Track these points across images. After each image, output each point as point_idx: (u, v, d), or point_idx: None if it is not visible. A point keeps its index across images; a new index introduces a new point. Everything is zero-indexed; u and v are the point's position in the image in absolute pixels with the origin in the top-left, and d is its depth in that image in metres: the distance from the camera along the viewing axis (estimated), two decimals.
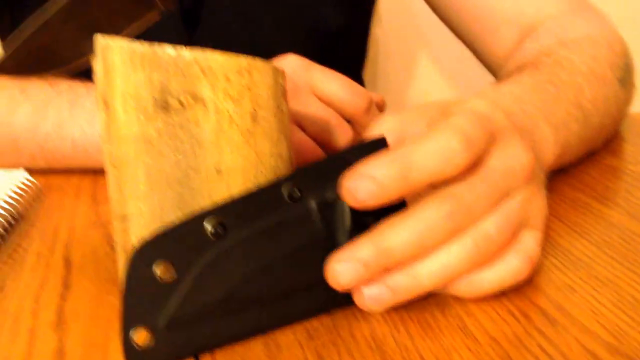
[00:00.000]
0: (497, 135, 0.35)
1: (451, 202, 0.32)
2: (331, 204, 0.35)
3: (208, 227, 0.33)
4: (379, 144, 0.38)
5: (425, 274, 0.33)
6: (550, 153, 0.43)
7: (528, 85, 0.46)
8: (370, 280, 0.33)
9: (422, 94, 1.30)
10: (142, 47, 0.33)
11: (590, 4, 0.66)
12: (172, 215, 0.35)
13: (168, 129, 0.34)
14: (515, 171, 0.34)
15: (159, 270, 0.32)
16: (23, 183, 0.48)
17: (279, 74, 0.37)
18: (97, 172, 0.57)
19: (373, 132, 0.40)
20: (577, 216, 0.45)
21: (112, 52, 0.33)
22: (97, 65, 0.34)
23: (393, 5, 0.85)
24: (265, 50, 0.74)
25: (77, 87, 0.51)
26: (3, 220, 0.43)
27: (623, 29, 0.64)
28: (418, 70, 1.29)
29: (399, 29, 1.21)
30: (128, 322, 0.32)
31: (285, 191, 0.35)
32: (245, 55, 0.35)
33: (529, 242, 0.34)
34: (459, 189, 0.33)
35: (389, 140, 0.38)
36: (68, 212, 0.49)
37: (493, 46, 0.68)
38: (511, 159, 0.34)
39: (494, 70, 0.70)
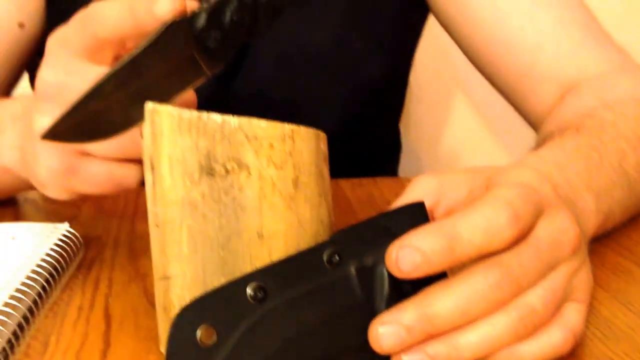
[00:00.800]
0: (545, 208, 0.35)
1: (498, 272, 0.32)
2: (370, 269, 0.35)
3: (249, 291, 0.33)
4: (417, 209, 0.38)
5: (466, 344, 0.33)
6: (592, 223, 0.43)
7: (571, 151, 0.46)
8: (411, 346, 0.33)
9: (456, 141, 1.30)
10: (189, 114, 0.34)
11: (635, 63, 0.66)
12: (214, 278, 0.35)
13: (212, 194, 0.35)
14: (561, 244, 0.34)
15: (201, 333, 0.32)
16: (64, 235, 0.49)
17: (320, 139, 0.37)
18: (135, 224, 0.58)
19: (411, 191, 0.40)
20: (619, 283, 0.44)
21: (161, 117, 0.34)
22: (146, 130, 0.35)
23: (427, 48, 0.86)
24: (305, 100, 0.75)
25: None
26: (45, 273, 0.44)
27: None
28: (452, 116, 1.29)
29: (432, 73, 1.21)
30: None
31: (325, 256, 0.35)
32: (288, 123, 0.36)
33: (573, 315, 0.34)
34: (506, 260, 0.33)
35: (427, 202, 0.38)
36: (107, 265, 0.50)
37: (532, 103, 0.68)
38: (558, 231, 0.34)
39: (533, 123, 0.70)
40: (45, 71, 0.42)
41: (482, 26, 0.69)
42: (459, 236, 0.32)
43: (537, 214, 0.34)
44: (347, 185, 0.70)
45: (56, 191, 0.46)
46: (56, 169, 0.44)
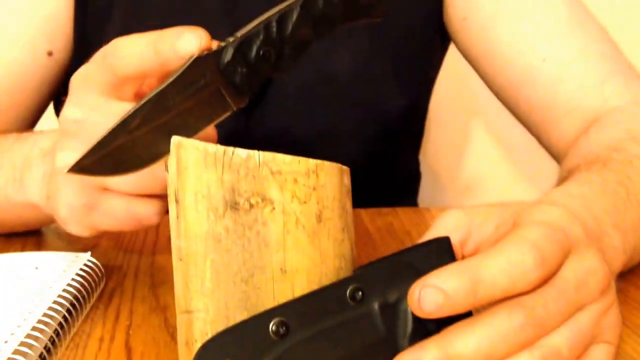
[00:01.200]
0: (573, 247, 0.34)
1: (523, 313, 0.32)
2: (393, 306, 0.35)
3: (272, 326, 0.33)
4: (442, 245, 0.38)
5: None
6: (618, 260, 0.42)
7: (598, 187, 0.46)
8: None
9: (474, 169, 1.30)
10: (214, 148, 0.35)
11: None
12: (236, 313, 0.35)
13: (236, 228, 0.35)
14: (589, 284, 0.34)
15: None
16: (86, 265, 0.50)
17: (344, 174, 0.37)
18: (155, 253, 0.59)
19: (440, 226, 0.40)
20: None
21: (187, 151, 0.35)
22: (171, 164, 0.35)
23: (445, 75, 0.86)
24: (326, 129, 0.75)
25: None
26: (67, 304, 0.44)
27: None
28: (470, 144, 1.29)
29: (451, 100, 1.21)
30: None
31: (348, 292, 0.35)
32: (311, 158, 0.36)
33: (602, 358, 0.34)
34: (532, 300, 0.32)
35: (454, 238, 0.37)
36: (128, 295, 0.50)
37: (555, 134, 0.67)
38: (586, 272, 0.34)
39: (555, 154, 0.69)
40: (67, 108, 0.43)
41: (504, 56, 0.69)
42: (483, 278, 0.32)
43: (565, 255, 0.34)
44: (366, 215, 0.70)
45: (77, 227, 0.46)
46: (76, 206, 0.44)
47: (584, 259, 0.34)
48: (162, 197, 0.44)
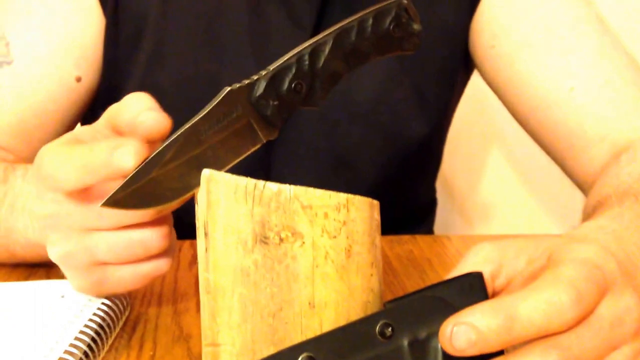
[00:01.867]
0: (609, 286, 0.34)
1: (557, 353, 0.31)
2: (423, 342, 0.35)
3: None
4: (475, 280, 0.37)
5: None
6: None
7: (630, 222, 0.45)
8: None
9: (491, 195, 1.29)
10: (245, 182, 0.35)
11: None
12: (263, 347, 0.35)
13: (265, 262, 0.34)
14: (625, 323, 0.33)
15: None
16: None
17: (374, 208, 0.37)
18: (178, 281, 0.58)
19: (469, 258, 0.39)
20: None
21: (217, 185, 0.35)
22: (201, 196, 0.35)
23: (462, 101, 0.86)
24: (347, 155, 0.75)
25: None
26: (92, 333, 0.44)
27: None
28: (487, 170, 1.28)
29: (468, 125, 1.20)
30: None
31: (377, 328, 0.34)
32: (341, 193, 0.36)
33: None
34: (566, 341, 0.32)
35: (485, 271, 0.37)
36: (152, 324, 0.50)
37: (581, 163, 0.66)
38: (622, 311, 0.33)
39: (580, 182, 0.69)
40: (35, 204, 0.44)
41: (531, 84, 0.69)
42: (518, 315, 0.31)
43: (601, 294, 0.33)
44: (385, 242, 0.70)
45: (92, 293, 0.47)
46: (85, 287, 0.45)
47: (620, 298, 0.34)
48: (161, 220, 0.43)
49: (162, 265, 0.44)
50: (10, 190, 0.57)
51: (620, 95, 0.65)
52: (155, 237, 0.43)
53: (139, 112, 0.39)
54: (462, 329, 0.32)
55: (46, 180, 0.42)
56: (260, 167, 0.73)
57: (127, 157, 0.37)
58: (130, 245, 0.43)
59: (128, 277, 0.44)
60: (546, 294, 0.31)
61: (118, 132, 0.42)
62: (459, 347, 0.32)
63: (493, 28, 0.72)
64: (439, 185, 0.94)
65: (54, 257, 0.44)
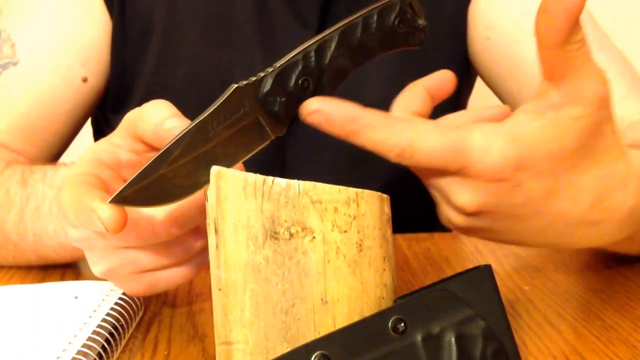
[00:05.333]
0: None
1: None
2: (437, 337, 0.34)
3: (313, 359, 0.33)
4: (485, 273, 0.37)
5: None
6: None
7: None
8: None
9: None
10: (254, 178, 0.34)
11: None
12: (276, 344, 0.35)
13: (276, 258, 0.34)
14: None
15: None
16: (125, 294, 0.50)
17: (384, 202, 0.37)
18: (193, 281, 0.58)
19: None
20: None
21: (226, 181, 0.35)
22: (210, 193, 0.35)
23: (472, 98, 0.85)
24: (358, 154, 0.75)
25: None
26: (106, 334, 0.44)
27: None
28: None
29: None
30: None
31: (390, 324, 0.34)
32: (352, 188, 0.35)
33: None
34: None
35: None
36: (166, 324, 0.50)
37: None
38: None
39: None
40: (69, 231, 0.44)
41: (531, 72, 0.69)
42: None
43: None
44: (403, 240, 0.69)
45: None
46: (139, 291, 0.45)
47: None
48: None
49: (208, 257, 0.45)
50: (33, 194, 0.57)
51: (615, 85, 0.65)
52: (192, 238, 0.43)
53: (163, 119, 0.39)
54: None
55: (66, 218, 0.43)
56: (275, 164, 0.73)
57: (104, 214, 0.37)
58: (170, 252, 0.43)
59: (177, 275, 0.45)
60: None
61: (140, 140, 0.42)
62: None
63: (487, 19, 0.72)
64: None
65: (97, 274, 0.45)
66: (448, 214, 0.41)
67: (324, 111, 0.37)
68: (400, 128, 0.38)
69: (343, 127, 0.38)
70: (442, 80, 0.45)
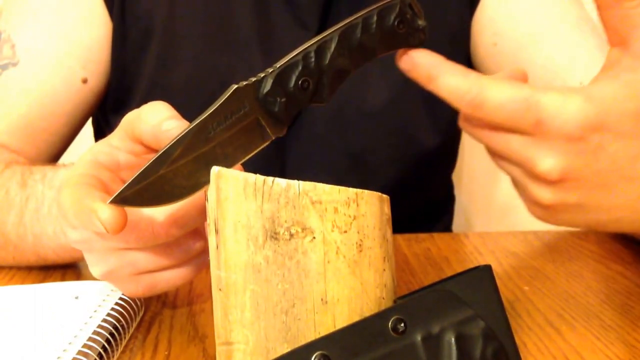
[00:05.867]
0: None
1: None
2: (436, 337, 0.34)
3: (313, 359, 0.33)
4: (484, 273, 0.37)
5: None
6: None
7: None
8: None
9: (509, 193, 1.28)
10: (254, 178, 0.34)
11: None
12: (277, 344, 0.35)
13: (276, 258, 0.34)
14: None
15: None
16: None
17: (384, 202, 0.37)
18: (193, 281, 0.58)
19: None
20: None
21: (226, 182, 0.35)
22: (211, 194, 0.35)
23: None
24: (359, 156, 0.75)
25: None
26: (106, 334, 0.44)
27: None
28: None
29: None
30: None
31: (390, 324, 0.34)
32: (352, 188, 0.35)
33: None
34: None
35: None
36: (166, 325, 0.50)
37: None
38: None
39: None
40: (68, 232, 0.44)
41: (539, 79, 0.69)
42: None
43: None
44: (403, 240, 0.69)
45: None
46: (137, 292, 0.45)
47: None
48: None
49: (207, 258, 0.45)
50: (33, 195, 0.57)
51: (587, 42, 0.67)
52: (191, 240, 0.43)
53: (161, 121, 0.40)
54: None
55: (66, 219, 0.43)
56: (275, 166, 0.73)
57: (103, 215, 0.37)
58: (170, 253, 0.43)
59: (177, 277, 0.45)
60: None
61: (138, 142, 0.42)
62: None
63: (494, 26, 0.73)
64: (457, 184, 0.93)
65: (96, 276, 0.45)
66: (533, 191, 0.39)
67: (413, 57, 0.39)
68: (474, 77, 0.38)
69: (425, 72, 0.39)
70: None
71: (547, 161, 0.37)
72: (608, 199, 0.38)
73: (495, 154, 0.40)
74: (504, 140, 0.38)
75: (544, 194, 0.38)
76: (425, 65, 0.39)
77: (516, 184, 0.41)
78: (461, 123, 0.41)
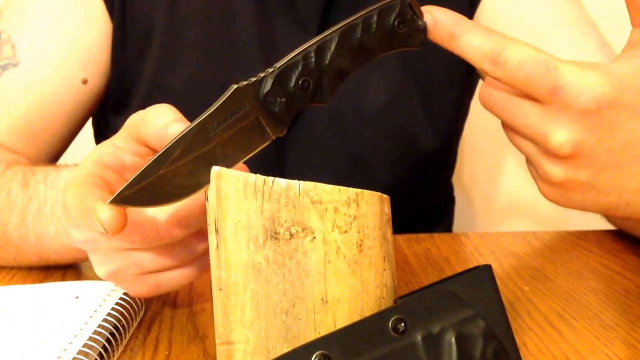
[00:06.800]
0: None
1: None
2: (437, 337, 0.34)
3: (313, 359, 0.33)
4: (485, 273, 0.37)
5: None
6: None
7: None
8: None
9: (509, 194, 1.28)
10: (254, 178, 0.34)
11: None
12: (277, 344, 0.35)
13: (276, 258, 0.34)
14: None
15: None
16: (126, 294, 0.50)
17: (384, 202, 0.37)
18: (194, 282, 0.58)
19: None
20: None
21: (227, 181, 0.35)
22: (211, 193, 0.35)
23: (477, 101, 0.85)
24: (358, 157, 0.75)
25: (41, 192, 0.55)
26: (107, 334, 0.44)
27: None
28: (505, 168, 1.27)
29: (486, 124, 1.20)
30: None
31: (390, 323, 0.34)
32: (352, 188, 0.35)
33: None
34: None
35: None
36: (167, 324, 0.50)
37: None
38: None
39: None
40: (72, 232, 0.44)
41: None
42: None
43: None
44: (403, 241, 0.69)
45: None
46: (142, 292, 0.45)
47: None
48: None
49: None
50: (34, 196, 0.57)
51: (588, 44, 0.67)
52: (196, 240, 0.44)
53: (167, 124, 0.40)
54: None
55: (70, 219, 0.43)
56: (275, 167, 0.73)
57: (103, 215, 0.37)
58: (174, 253, 0.43)
59: (181, 277, 0.45)
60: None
61: (143, 144, 0.43)
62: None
63: (494, 27, 0.72)
64: (458, 185, 0.93)
65: (101, 276, 0.45)
66: (545, 167, 0.39)
67: (435, 14, 0.39)
68: (497, 36, 0.38)
69: (446, 29, 0.38)
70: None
71: (560, 134, 0.37)
72: (620, 180, 0.38)
73: (511, 129, 0.40)
74: (521, 112, 0.38)
75: (556, 170, 0.38)
76: (447, 23, 0.38)
77: (529, 162, 0.41)
78: (481, 98, 0.40)
